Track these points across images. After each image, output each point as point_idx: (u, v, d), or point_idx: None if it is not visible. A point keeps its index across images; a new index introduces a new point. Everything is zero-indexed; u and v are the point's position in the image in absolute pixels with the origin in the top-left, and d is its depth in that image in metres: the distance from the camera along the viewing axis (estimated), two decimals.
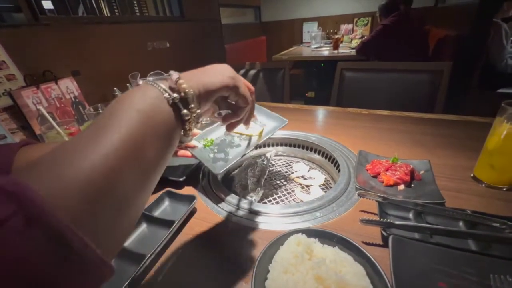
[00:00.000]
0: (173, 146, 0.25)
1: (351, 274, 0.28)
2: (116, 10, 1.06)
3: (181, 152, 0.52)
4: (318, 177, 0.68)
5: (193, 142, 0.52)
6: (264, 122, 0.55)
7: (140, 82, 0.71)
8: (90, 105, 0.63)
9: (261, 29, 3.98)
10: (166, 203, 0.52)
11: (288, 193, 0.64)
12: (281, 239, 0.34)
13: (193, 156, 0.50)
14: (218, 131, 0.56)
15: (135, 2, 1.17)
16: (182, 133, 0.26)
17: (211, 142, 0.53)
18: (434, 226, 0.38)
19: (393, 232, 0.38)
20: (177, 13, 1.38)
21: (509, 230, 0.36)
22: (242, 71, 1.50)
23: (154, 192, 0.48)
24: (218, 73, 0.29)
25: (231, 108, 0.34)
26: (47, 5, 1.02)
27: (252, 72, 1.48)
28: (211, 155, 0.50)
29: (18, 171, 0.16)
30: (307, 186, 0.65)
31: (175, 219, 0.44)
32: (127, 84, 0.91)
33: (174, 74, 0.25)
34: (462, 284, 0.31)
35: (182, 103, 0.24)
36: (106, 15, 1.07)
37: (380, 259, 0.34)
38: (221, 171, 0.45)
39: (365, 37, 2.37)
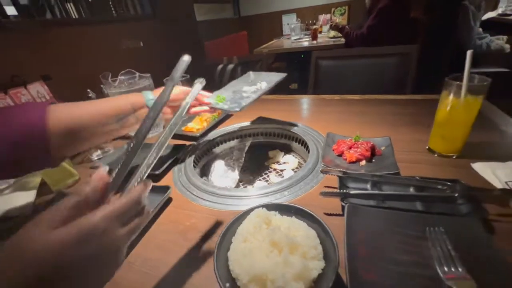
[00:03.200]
0: None
1: (303, 236, 0.31)
2: (83, 12, 1.05)
3: (195, 109, 0.61)
4: (291, 161, 0.71)
5: (208, 100, 0.62)
6: (264, 79, 0.73)
7: (111, 81, 0.72)
8: None
9: (241, 23, 3.97)
10: None
11: (263, 177, 0.67)
12: (244, 214, 0.37)
13: (210, 108, 0.63)
14: (226, 92, 0.71)
15: (103, 3, 1.15)
16: None
17: (223, 98, 0.66)
18: (385, 192, 0.42)
19: (351, 202, 0.42)
20: (148, 11, 1.37)
21: (449, 190, 0.41)
22: (220, 66, 1.51)
23: None
24: None
25: None
26: (11, 11, 1.00)
27: (230, 66, 1.49)
28: (226, 106, 0.63)
29: None
30: (281, 170, 0.68)
31: (150, 208, 0.46)
32: (101, 85, 0.91)
33: None
34: (405, 240, 0.35)
35: None
36: (74, 17, 1.05)
37: (339, 227, 0.37)
38: (240, 109, 0.59)
39: (363, 26, 2.14)
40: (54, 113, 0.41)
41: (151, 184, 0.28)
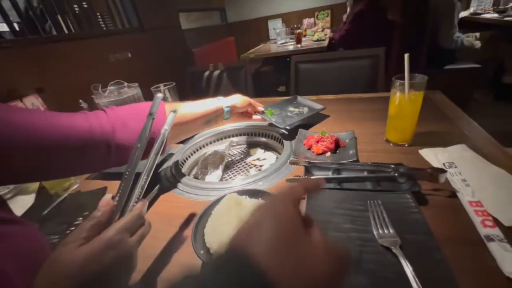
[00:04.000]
0: None
1: None
2: (72, 27, 1.10)
3: (255, 117, 0.78)
4: (270, 157, 0.78)
5: (261, 108, 0.77)
6: (307, 105, 0.87)
7: (101, 91, 0.78)
8: None
9: (229, 30, 4.06)
10: None
11: (244, 173, 0.74)
12: (219, 200, 0.44)
13: (263, 118, 0.78)
14: (275, 108, 0.86)
15: (91, 18, 1.21)
16: None
17: (272, 112, 0.81)
18: (340, 176, 0.49)
19: None
20: (135, 24, 1.44)
21: (392, 172, 0.48)
22: (207, 73, 1.58)
23: None
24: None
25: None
26: (3, 27, 1.05)
27: (216, 73, 1.57)
28: (273, 120, 0.77)
29: None
30: (260, 166, 0.75)
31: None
32: (92, 96, 0.97)
33: None
34: (351, 213, 0.42)
35: None
36: (65, 32, 1.11)
37: (301, 207, 0.44)
38: (282, 127, 0.75)
39: (342, 27, 2.20)
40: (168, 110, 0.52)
41: (147, 202, 0.35)
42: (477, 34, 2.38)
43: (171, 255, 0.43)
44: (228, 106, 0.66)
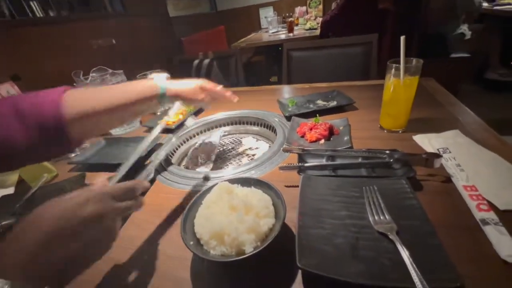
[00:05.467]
0: None
1: (257, 199, 0.37)
2: (50, 10, 1.03)
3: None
4: (262, 146, 0.76)
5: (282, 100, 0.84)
6: (336, 100, 0.82)
7: (83, 79, 0.73)
8: None
9: (219, 18, 3.94)
10: None
11: (236, 162, 0.72)
12: (209, 189, 0.42)
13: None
14: (301, 99, 0.86)
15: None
16: None
17: (294, 102, 0.83)
18: (334, 162, 0.48)
19: (308, 174, 0.48)
20: (119, 8, 1.36)
21: (387, 158, 0.47)
22: (196, 62, 1.53)
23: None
24: None
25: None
26: None
27: (206, 61, 1.51)
28: (290, 109, 0.80)
29: None
30: (253, 155, 0.73)
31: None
32: (74, 84, 0.92)
33: None
34: (346, 200, 0.41)
35: None
36: (38, 16, 1.03)
37: (296, 196, 0.43)
38: (287, 114, 0.75)
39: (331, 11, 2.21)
40: (69, 100, 0.39)
41: (147, 184, 0.35)
42: (465, 25, 2.38)
43: (158, 248, 0.41)
44: (164, 91, 0.46)
